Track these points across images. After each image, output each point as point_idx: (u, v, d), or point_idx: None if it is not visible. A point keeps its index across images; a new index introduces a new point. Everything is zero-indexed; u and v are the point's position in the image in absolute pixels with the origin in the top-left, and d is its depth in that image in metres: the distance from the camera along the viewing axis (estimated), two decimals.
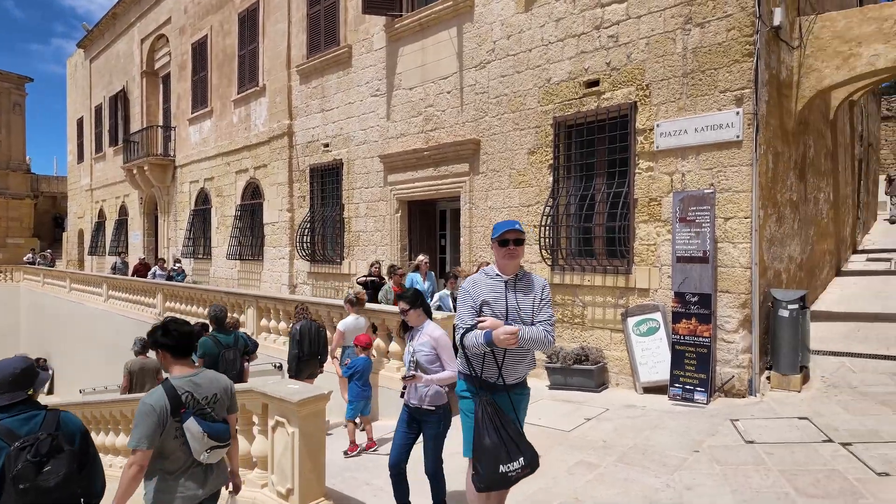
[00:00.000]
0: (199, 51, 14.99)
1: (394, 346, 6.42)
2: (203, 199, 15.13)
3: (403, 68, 8.93)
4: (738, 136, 5.46)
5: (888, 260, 9.95)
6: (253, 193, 12.92)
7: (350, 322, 6.21)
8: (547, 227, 6.86)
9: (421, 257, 7.94)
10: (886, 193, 14.71)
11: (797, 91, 6.40)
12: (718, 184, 5.63)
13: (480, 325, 2.63)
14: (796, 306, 5.44)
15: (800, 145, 7.00)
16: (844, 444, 3.99)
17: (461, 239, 8.15)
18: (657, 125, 6.00)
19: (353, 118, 9.90)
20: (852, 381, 5.36)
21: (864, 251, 11.18)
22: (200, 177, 15.07)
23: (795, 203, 6.90)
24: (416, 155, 8.59)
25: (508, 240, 2.75)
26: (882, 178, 15.87)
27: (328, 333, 6.82)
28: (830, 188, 8.86)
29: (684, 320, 5.70)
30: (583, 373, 6.33)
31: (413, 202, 9.19)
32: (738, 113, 5.44)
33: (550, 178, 7.00)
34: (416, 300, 3.51)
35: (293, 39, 11.34)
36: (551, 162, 6.98)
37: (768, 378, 5.61)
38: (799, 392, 5.32)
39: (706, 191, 5.58)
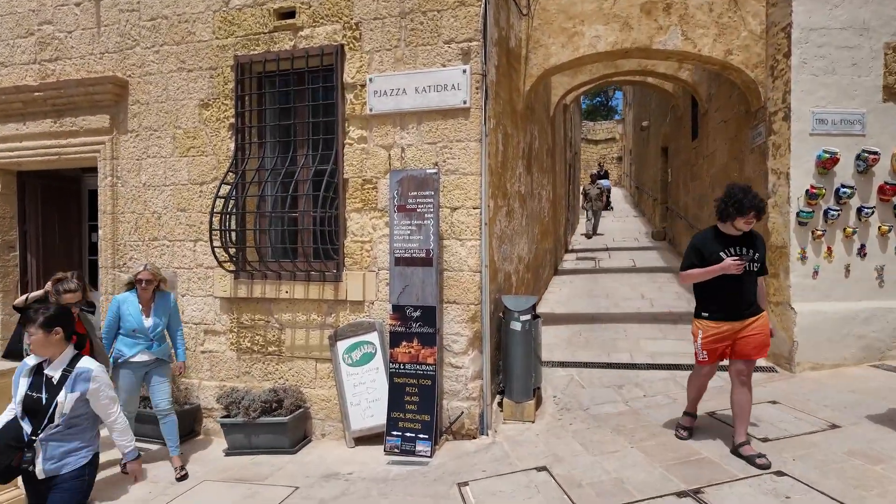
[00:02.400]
0: None
1: None
2: None
3: None
4: (465, 102, 4.23)
5: (593, 259, 10.71)
6: None
7: None
8: (227, 216, 4.70)
9: (141, 269, 4.19)
10: (583, 207, 14.63)
11: (525, 68, 5.64)
12: (444, 163, 4.34)
13: None
14: (528, 317, 4.49)
15: (527, 133, 6.38)
16: None
17: (100, 232, 5.35)
18: (370, 80, 4.43)
19: None
20: (583, 400, 4.66)
21: (574, 251, 12.04)
22: None
23: (524, 197, 6.24)
24: (21, 96, 5.40)
25: None
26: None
27: None
28: (551, 186, 8.87)
29: (405, 343, 4.24)
30: (273, 428, 4.38)
31: (26, 173, 5.90)
32: (464, 71, 4.21)
33: (233, 145, 4.86)
34: None
35: None
36: (233, 121, 4.85)
37: (500, 404, 4.56)
38: (533, 422, 4.36)
39: (429, 171, 4.22)
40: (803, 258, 4.94)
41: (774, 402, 4.29)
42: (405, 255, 4.24)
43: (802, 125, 4.92)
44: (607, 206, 17.71)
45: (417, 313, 4.20)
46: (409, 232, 4.23)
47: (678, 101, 9.66)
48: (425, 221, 4.19)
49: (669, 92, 9.72)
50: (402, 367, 4.22)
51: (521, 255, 6.07)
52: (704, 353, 3.53)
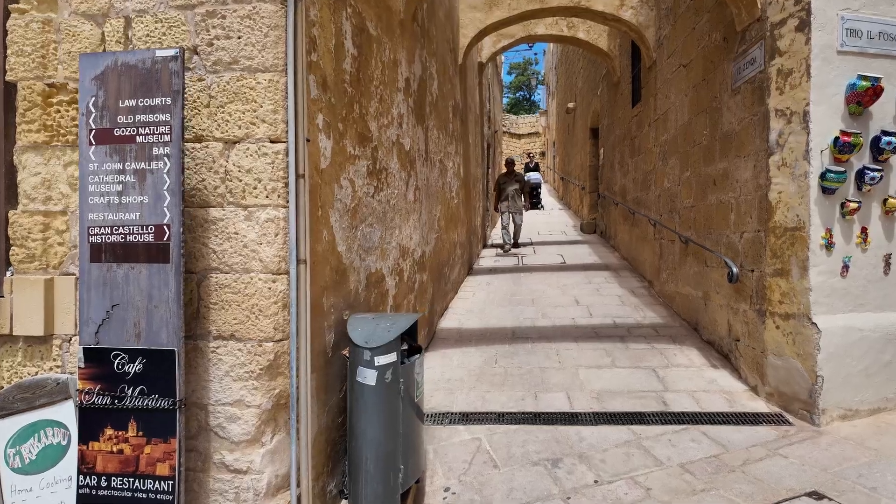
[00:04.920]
0: None
1: None
2: None
3: None
4: None
5: (516, 255, 8.85)
6: None
7: None
8: None
9: None
10: (497, 210, 9.93)
11: None
12: (210, 49, 2.11)
13: None
14: (392, 357, 2.36)
15: (417, 61, 4.26)
16: None
17: None
18: None
19: None
20: (496, 497, 2.61)
21: (493, 245, 10.16)
22: None
23: (411, 157, 4.12)
24: None
25: None
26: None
27: None
28: (461, 159, 6.85)
29: (111, 428, 1.96)
30: None
31: None
32: None
33: None
34: None
35: None
36: None
37: None
38: None
39: (162, 54, 1.96)
40: (829, 245, 3.19)
41: (819, 498, 2.45)
42: (112, 237, 1.97)
43: (827, 37, 3.17)
44: (536, 205, 15.42)
45: (137, 366, 1.93)
46: (119, 187, 1.96)
47: (614, 63, 8.00)
48: (153, 165, 1.94)
49: (604, 51, 8.03)
50: (103, 483, 1.93)
51: (406, 245, 3.95)
52: None
